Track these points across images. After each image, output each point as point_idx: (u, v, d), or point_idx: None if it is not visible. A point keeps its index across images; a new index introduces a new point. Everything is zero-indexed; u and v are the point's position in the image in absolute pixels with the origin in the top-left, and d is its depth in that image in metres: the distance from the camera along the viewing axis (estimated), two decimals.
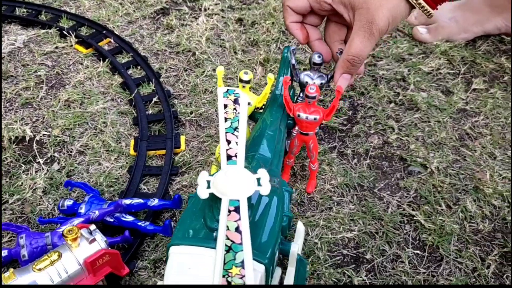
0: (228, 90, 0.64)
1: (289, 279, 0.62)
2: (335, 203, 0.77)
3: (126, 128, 0.84)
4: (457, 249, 0.72)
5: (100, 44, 1.00)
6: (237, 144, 0.56)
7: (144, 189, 0.75)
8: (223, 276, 0.42)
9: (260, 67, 1.00)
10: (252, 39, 1.07)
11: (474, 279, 0.68)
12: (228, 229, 0.46)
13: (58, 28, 1.02)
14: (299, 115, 0.71)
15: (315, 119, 0.71)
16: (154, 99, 0.88)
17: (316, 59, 0.74)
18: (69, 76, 0.94)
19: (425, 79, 1.02)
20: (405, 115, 0.93)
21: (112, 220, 0.66)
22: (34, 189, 0.73)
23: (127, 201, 0.67)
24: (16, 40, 0.98)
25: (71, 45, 1.00)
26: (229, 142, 0.57)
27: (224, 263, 0.43)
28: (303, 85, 0.76)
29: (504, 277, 0.69)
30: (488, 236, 0.74)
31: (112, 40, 1.02)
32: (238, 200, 0.49)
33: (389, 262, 0.70)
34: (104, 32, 1.03)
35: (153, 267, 0.66)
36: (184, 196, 0.74)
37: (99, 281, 0.57)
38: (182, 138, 0.82)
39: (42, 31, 1.03)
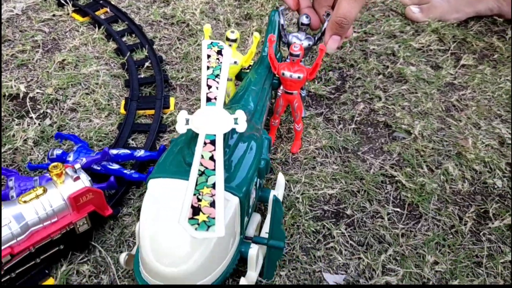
0: (212, 42, 0.66)
1: (267, 224, 0.64)
2: (319, 163, 0.79)
3: (118, 90, 0.87)
4: (436, 208, 0.73)
5: (96, 13, 1.02)
6: (217, 89, 0.59)
7: (132, 144, 0.77)
8: (194, 194, 0.44)
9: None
10: (246, 13, 1.09)
11: (451, 235, 0.70)
12: (202, 157, 0.49)
13: None
14: (283, 74, 0.73)
15: (299, 77, 0.73)
16: (147, 64, 0.91)
17: (304, 19, 0.76)
18: (65, 41, 0.96)
19: (415, 54, 1.03)
20: (393, 86, 0.95)
21: (99, 168, 0.68)
22: (25, 140, 0.75)
23: (114, 151, 0.69)
24: (15, 8, 1.01)
25: (68, 14, 1.03)
26: (209, 86, 0.59)
27: (196, 185, 0.45)
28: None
29: (480, 234, 0.70)
30: (468, 197, 0.76)
31: (108, 10, 1.04)
32: (214, 135, 0.52)
33: (369, 218, 0.72)
34: (101, 2, 1.05)
35: (137, 214, 0.68)
36: None
37: (82, 218, 0.59)
38: (172, 99, 0.84)
39: None
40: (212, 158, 0.49)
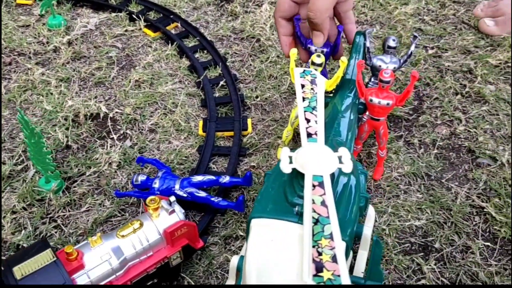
0: (304, 70, 0.64)
1: (361, 262, 0.62)
2: (402, 191, 0.76)
3: (194, 109, 0.86)
4: None
5: (167, 28, 1.02)
6: (316, 123, 0.57)
7: (214, 168, 0.77)
8: (313, 246, 0.43)
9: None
10: None
11: None
12: (314, 202, 0.47)
13: (127, 12, 1.05)
14: (371, 100, 0.71)
15: (387, 104, 0.70)
16: (221, 82, 0.90)
17: (391, 42, 0.74)
18: (138, 57, 0.96)
19: (493, 72, 0.99)
20: (472, 107, 0.91)
21: (185, 195, 0.67)
22: (110, 163, 0.75)
23: (199, 178, 0.69)
24: (88, 23, 1.01)
25: (140, 29, 1.03)
26: (308, 120, 0.57)
27: (313, 235, 0.44)
28: (375, 69, 0.76)
29: None
30: None
31: (179, 25, 1.04)
32: (321, 176, 0.50)
33: (459, 252, 0.69)
34: (172, 16, 1.05)
35: (224, 243, 0.67)
36: (255, 176, 0.75)
37: (176, 252, 0.58)
38: (249, 121, 0.83)
39: (113, 14, 1.06)
40: (323, 204, 0.47)
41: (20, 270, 0.48)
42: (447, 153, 0.83)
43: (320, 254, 0.42)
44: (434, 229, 0.71)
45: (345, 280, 0.40)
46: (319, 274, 0.40)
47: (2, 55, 0.95)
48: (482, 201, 0.75)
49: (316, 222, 0.45)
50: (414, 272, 0.66)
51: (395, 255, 0.67)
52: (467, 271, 0.67)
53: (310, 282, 0.40)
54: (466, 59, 1.03)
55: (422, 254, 0.68)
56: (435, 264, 0.67)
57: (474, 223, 0.73)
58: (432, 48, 1.05)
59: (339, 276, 0.40)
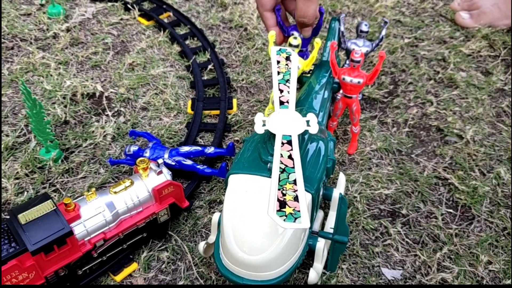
0: (280, 49, 0.71)
1: (331, 220, 0.69)
2: (374, 165, 0.83)
3: (183, 91, 0.93)
4: (488, 210, 0.76)
5: (160, 17, 1.09)
6: (288, 93, 0.64)
7: (200, 142, 0.83)
8: (279, 189, 0.49)
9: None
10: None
11: (503, 237, 0.73)
12: (282, 156, 0.53)
13: (123, 2, 1.12)
14: (344, 78, 0.77)
15: (358, 82, 0.77)
16: (209, 66, 0.96)
17: (363, 27, 0.80)
18: (132, 44, 1.03)
19: (465, 60, 1.06)
20: (444, 92, 0.98)
21: (173, 163, 0.74)
22: (105, 136, 0.82)
23: (186, 148, 0.75)
24: (86, 12, 1.08)
25: (135, 18, 1.10)
26: (281, 91, 0.64)
27: (279, 181, 0.50)
28: (349, 52, 0.83)
29: None
30: None
31: (171, 14, 1.10)
32: (290, 136, 0.56)
33: (423, 217, 0.75)
34: (165, 6, 1.12)
35: (208, 207, 0.73)
36: (238, 149, 0.82)
37: (163, 209, 0.65)
38: (234, 101, 0.90)
39: (109, 4, 1.13)
40: (290, 157, 0.54)
41: (24, 217, 0.55)
42: (417, 131, 0.89)
43: (284, 195, 0.49)
44: (402, 198, 0.78)
45: (304, 214, 0.47)
46: (282, 209, 0.47)
47: (5, 41, 1.01)
48: (448, 173, 0.81)
49: (282, 171, 0.52)
50: (381, 234, 0.73)
51: (364, 219, 0.74)
52: (429, 233, 0.73)
53: (274, 216, 0.46)
54: (441, 48, 1.09)
55: (390, 219, 0.75)
56: (401, 227, 0.74)
57: (439, 192, 0.79)
58: (409, 38, 1.12)
59: (299, 211, 0.47)
